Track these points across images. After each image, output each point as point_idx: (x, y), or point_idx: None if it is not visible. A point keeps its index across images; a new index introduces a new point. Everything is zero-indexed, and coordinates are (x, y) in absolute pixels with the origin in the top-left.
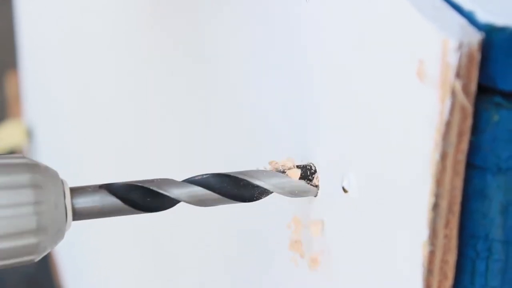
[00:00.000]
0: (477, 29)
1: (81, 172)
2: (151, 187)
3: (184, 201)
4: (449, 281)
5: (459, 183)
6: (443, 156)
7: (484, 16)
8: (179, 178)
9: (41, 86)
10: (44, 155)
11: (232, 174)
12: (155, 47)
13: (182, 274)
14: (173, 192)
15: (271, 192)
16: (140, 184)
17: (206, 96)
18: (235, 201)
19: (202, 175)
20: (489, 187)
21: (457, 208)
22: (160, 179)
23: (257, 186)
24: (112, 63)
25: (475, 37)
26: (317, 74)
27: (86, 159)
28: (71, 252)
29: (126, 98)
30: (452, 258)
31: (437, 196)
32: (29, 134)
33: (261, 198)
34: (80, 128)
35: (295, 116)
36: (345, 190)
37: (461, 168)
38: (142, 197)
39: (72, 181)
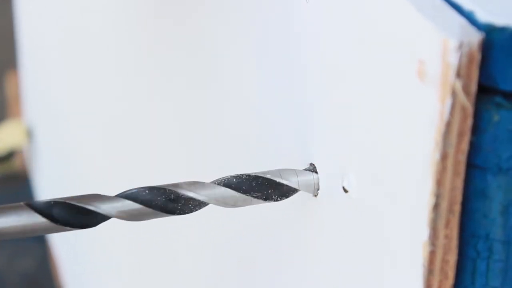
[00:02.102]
0: (477, 29)
1: (81, 172)
2: (77, 204)
3: (116, 216)
4: (450, 281)
5: (459, 183)
6: (444, 156)
7: (484, 16)
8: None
9: (41, 86)
10: (44, 155)
11: (164, 187)
12: (155, 48)
13: (182, 274)
14: (101, 208)
15: (207, 204)
16: (66, 201)
17: (206, 97)
18: (169, 214)
19: (133, 189)
20: (489, 187)
21: (457, 208)
22: (89, 195)
23: (191, 198)
24: (112, 63)
25: (475, 37)
26: (317, 74)
27: (86, 159)
28: (71, 252)
29: (126, 98)
30: (452, 258)
31: (438, 196)
32: (29, 134)
33: (196, 210)
34: (80, 128)
35: (295, 116)
36: (345, 190)
37: (462, 168)
38: (72, 214)
39: (72, 181)
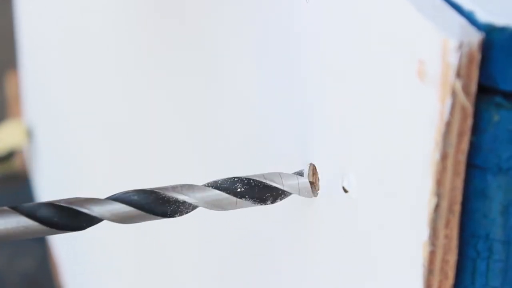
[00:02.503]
0: (477, 29)
1: (81, 172)
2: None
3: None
4: (450, 281)
5: (459, 183)
6: (444, 156)
7: (484, 16)
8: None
9: (41, 86)
10: (44, 155)
11: (155, 190)
12: (155, 48)
13: (182, 274)
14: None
15: (197, 207)
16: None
17: (206, 98)
18: (159, 217)
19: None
20: (489, 187)
21: (457, 208)
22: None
23: (182, 202)
24: (112, 63)
25: (475, 37)
26: (317, 74)
27: (86, 159)
28: (71, 252)
29: (126, 98)
30: (452, 258)
31: (438, 196)
32: (29, 134)
33: (187, 213)
34: (80, 128)
35: (295, 116)
36: (345, 190)
37: (462, 168)
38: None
39: (72, 181)
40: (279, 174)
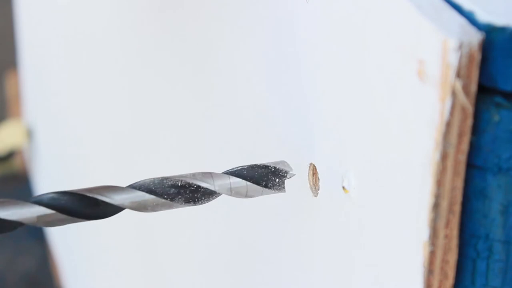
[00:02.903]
0: (477, 29)
1: (81, 172)
2: None
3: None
4: (450, 281)
5: (459, 183)
6: (444, 156)
7: (484, 16)
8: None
9: (41, 86)
10: (44, 155)
11: (79, 192)
12: (155, 47)
13: (182, 275)
14: None
15: (122, 208)
16: None
17: (207, 96)
18: (83, 219)
19: (45, 194)
20: (489, 187)
21: (457, 208)
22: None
23: (105, 203)
24: (112, 63)
25: (475, 37)
26: (317, 74)
27: (86, 159)
28: (71, 252)
29: (126, 98)
30: (452, 258)
31: (438, 196)
32: (29, 134)
33: (112, 215)
34: (80, 128)
35: (295, 116)
36: (345, 190)
37: (462, 168)
38: None
39: (71, 181)
40: (211, 174)
